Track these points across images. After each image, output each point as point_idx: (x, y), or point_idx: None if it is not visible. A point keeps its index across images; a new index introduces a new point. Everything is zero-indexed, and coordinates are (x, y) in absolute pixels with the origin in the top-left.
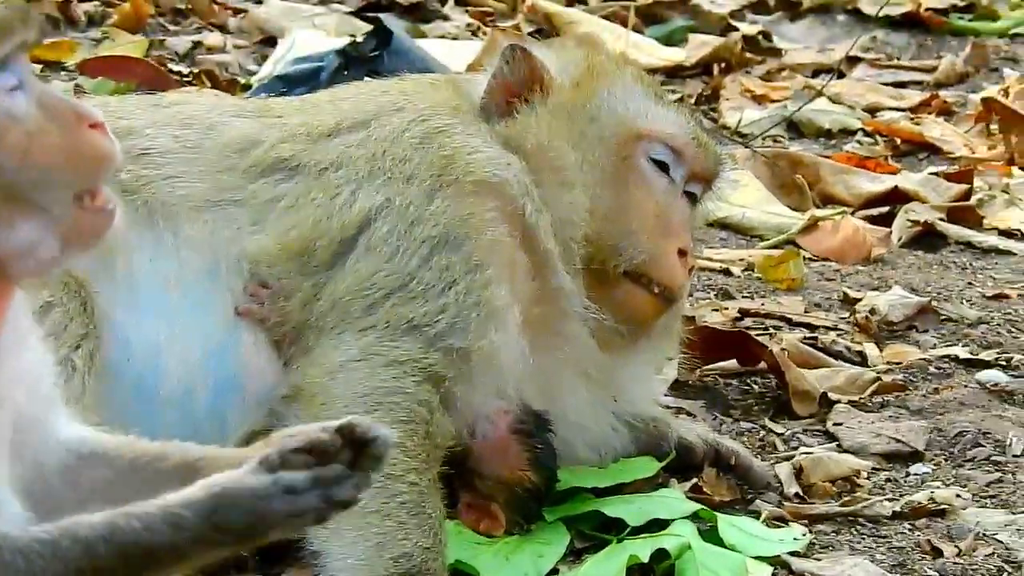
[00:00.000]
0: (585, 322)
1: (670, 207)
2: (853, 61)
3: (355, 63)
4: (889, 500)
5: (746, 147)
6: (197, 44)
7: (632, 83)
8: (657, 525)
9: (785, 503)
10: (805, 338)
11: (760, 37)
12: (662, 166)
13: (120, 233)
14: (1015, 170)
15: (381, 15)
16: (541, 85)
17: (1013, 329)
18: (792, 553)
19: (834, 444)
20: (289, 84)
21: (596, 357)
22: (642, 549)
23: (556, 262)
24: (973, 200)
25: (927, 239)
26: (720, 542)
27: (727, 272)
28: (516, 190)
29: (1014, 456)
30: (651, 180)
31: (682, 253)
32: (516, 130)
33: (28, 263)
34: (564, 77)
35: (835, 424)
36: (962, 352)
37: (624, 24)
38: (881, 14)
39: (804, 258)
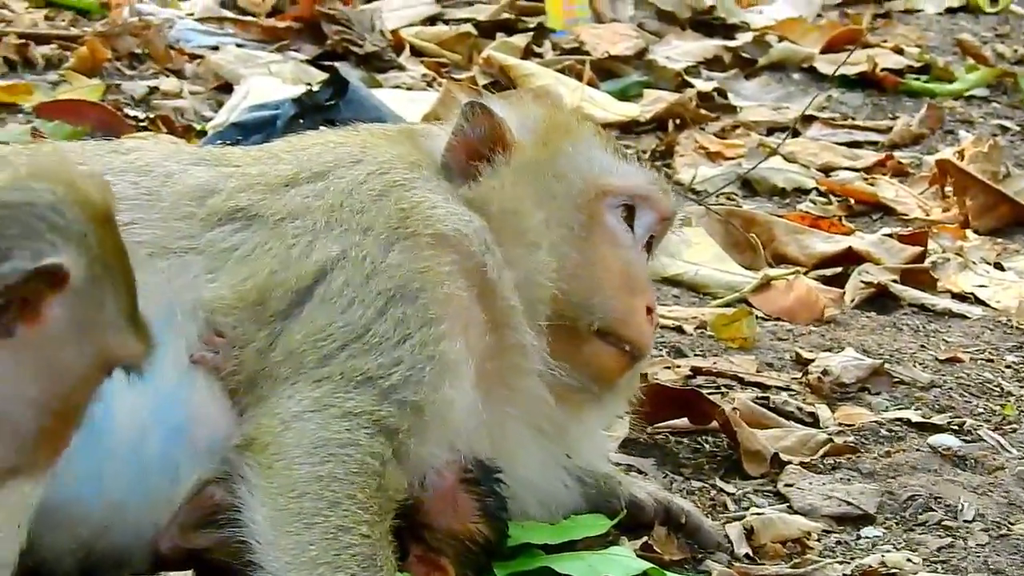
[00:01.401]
0: (542, 378)
1: (634, 262)
2: (808, 120)
3: (311, 112)
4: (840, 563)
5: (700, 204)
6: (153, 89)
7: (593, 139)
8: None
9: (735, 563)
10: (757, 398)
11: (715, 94)
12: (627, 220)
13: None
14: (969, 233)
15: (337, 64)
16: (502, 143)
17: (965, 393)
18: None
19: (785, 505)
20: (245, 131)
21: (550, 413)
22: None
23: (519, 319)
24: (927, 262)
25: (880, 300)
26: None
27: (680, 330)
28: (475, 245)
29: (965, 521)
30: (617, 235)
31: (649, 310)
32: (480, 193)
33: None
34: (525, 134)
35: (786, 485)
36: (914, 415)
37: (579, 78)
38: (837, 73)
39: (757, 317)
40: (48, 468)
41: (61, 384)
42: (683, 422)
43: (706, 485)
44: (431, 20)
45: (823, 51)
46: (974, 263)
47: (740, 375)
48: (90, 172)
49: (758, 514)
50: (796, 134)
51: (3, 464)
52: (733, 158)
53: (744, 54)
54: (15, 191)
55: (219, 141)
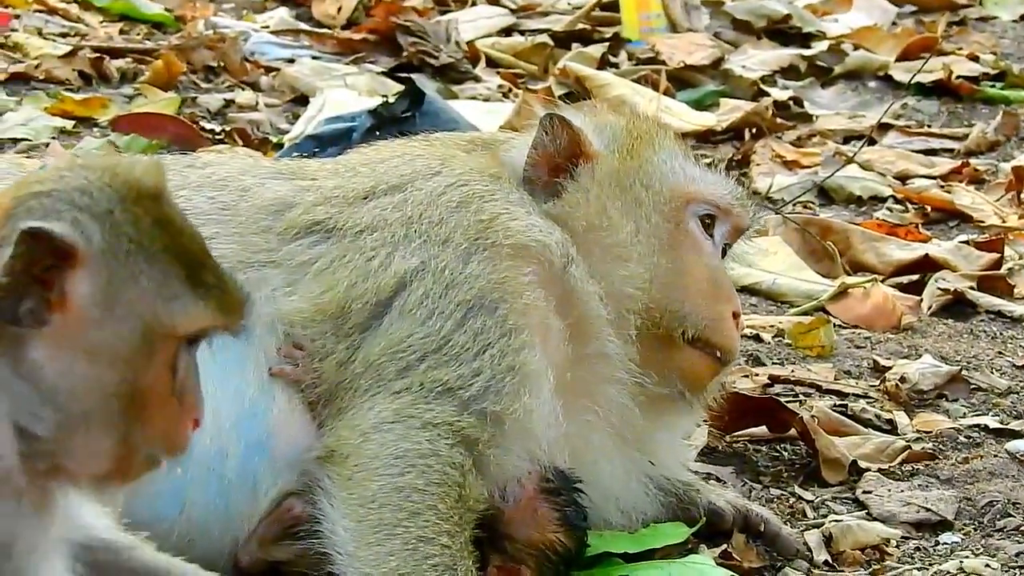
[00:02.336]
0: (625, 386)
1: (719, 269)
2: (884, 128)
3: (387, 124)
4: (918, 569)
5: (776, 213)
6: (229, 102)
7: (675, 147)
8: None
9: (814, 571)
10: (835, 405)
11: (791, 103)
12: (708, 228)
13: None
14: None
15: (413, 75)
16: (584, 154)
17: None
18: None
19: (864, 512)
20: (321, 144)
21: (633, 421)
22: None
23: (603, 328)
24: (1003, 269)
25: (957, 307)
26: None
27: (757, 338)
28: (556, 256)
29: None
30: (701, 244)
31: (735, 316)
32: (563, 208)
33: (88, 465)
34: (605, 145)
35: (865, 492)
36: (992, 422)
37: (655, 88)
38: (912, 81)
39: (834, 325)
40: (170, 453)
41: (119, 366)
42: (761, 430)
43: (785, 493)
44: (507, 31)
45: (898, 59)
46: None
47: (818, 383)
48: (140, 157)
49: (837, 521)
50: (872, 142)
51: (104, 464)
52: (809, 167)
53: (820, 63)
54: (52, 180)
55: (295, 154)
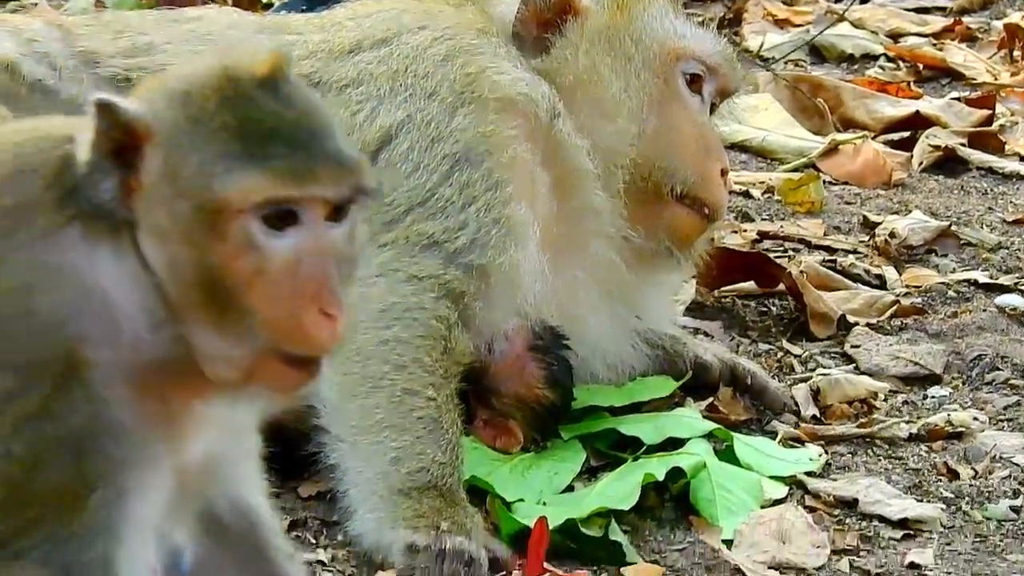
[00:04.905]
0: (612, 242)
1: (707, 127)
2: None
3: None
4: (906, 422)
5: (768, 71)
6: None
7: (665, 3)
8: (673, 444)
9: (801, 424)
10: (824, 261)
11: None
12: (696, 86)
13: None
14: None
15: None
16: (572, 9)
17: None
18: (808, 473)
19: (852, 366)
20: (310, 3)
21: (620, 276)
22: (657, 468)
23: (591, 183)
24: (995, 126)
25: (948, 164)
26: (736, 461)
27: (747, 194)
28: (543, 110)
29: None
30: (689, 100)
31: (723, 172)
32: (552, 64)
33: (216, 369)
34: (595, 0)
35: (853, 346)
36: (981, 276)
37: None
38: None
39: (824, 182)
40: (309, 351)
41: (192, 247)
42: (750, 285)
43: (773, 347)
44: None
45: None
46: None
47: (807, 239)
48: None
49: (825, 375)
50: (864, 0)
51: (229, 365)
52: (801, 25)
53: None
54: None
55: (284, 12)
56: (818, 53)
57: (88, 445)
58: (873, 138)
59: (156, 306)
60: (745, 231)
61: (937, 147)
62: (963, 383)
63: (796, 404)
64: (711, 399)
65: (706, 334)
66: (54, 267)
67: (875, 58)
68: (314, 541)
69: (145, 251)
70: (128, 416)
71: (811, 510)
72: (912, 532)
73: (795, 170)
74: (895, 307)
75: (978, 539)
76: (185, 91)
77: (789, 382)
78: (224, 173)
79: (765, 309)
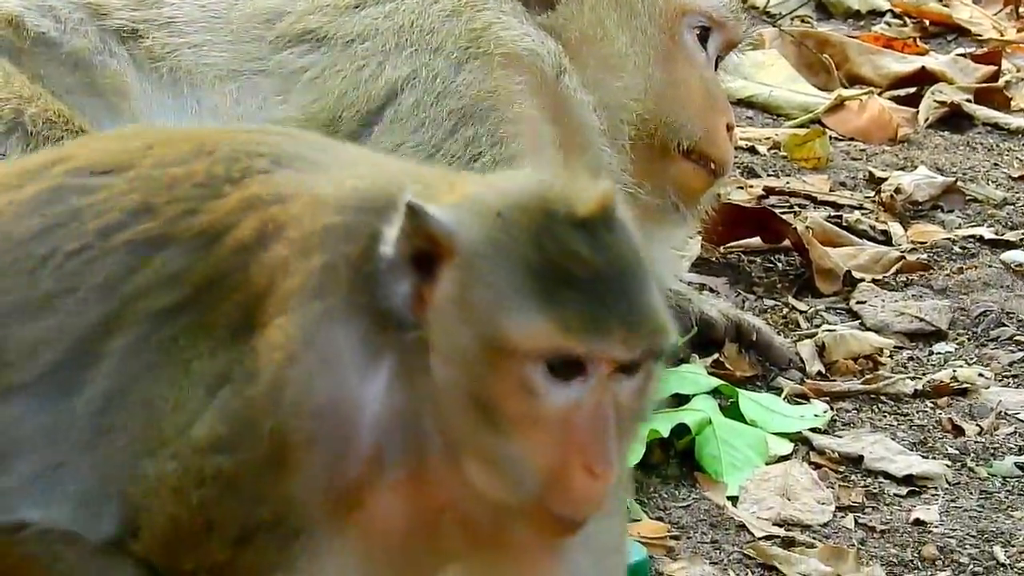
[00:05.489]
0: (618, 197)
1: (712, 81)
2: None
3: None
4: (911, 378)
5: (774, 26)
6: None
7: None
8: (678, 400)
9: (807, 380)
10: (830, 216)
11: None
12: (702, 40)
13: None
14: None
15: None
16: None
17: None
18: (813, 429)
19: (857, 322)
20: None
21: None
22: (662, 424)
23: (596, 138)
24: (1000, 82)
25: (954, 120)
26: (741, 418)
27: (753, 150)
28: (548, 65)
29: None
30: (695, 55)
31: (729, 128)
32: (558, 21)
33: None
34: None
35: (858, 302)
36: (987, 232)
37: None
38: None
39: (830, 137)
40: (568, 512)
41: (467, 377)
42: (755, 241)
43: (778, 303)
44: None
45: None
46: None
47: (813, 194)
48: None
49: (830, 331)
50: None
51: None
52: None
53: None
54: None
55: None
56: (824, 9)
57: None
58: (879, 94)
59: (413, 426)
60: (751, 187)
61: (943, 103)
62: (968, 339)
63: (801, 360)
64: (716, 355)
65: (711, 290)
66: (324, 353)
67: (881, 14)
68: None
69: (430, 365)
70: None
71: (816, 466)
72: (917, 489)
73: (801, 126)
74: (900, 263)
75: (983, 496)
76: (497, 212)
77: (794, 338)
78: (514, 313)
79: (771, 265)
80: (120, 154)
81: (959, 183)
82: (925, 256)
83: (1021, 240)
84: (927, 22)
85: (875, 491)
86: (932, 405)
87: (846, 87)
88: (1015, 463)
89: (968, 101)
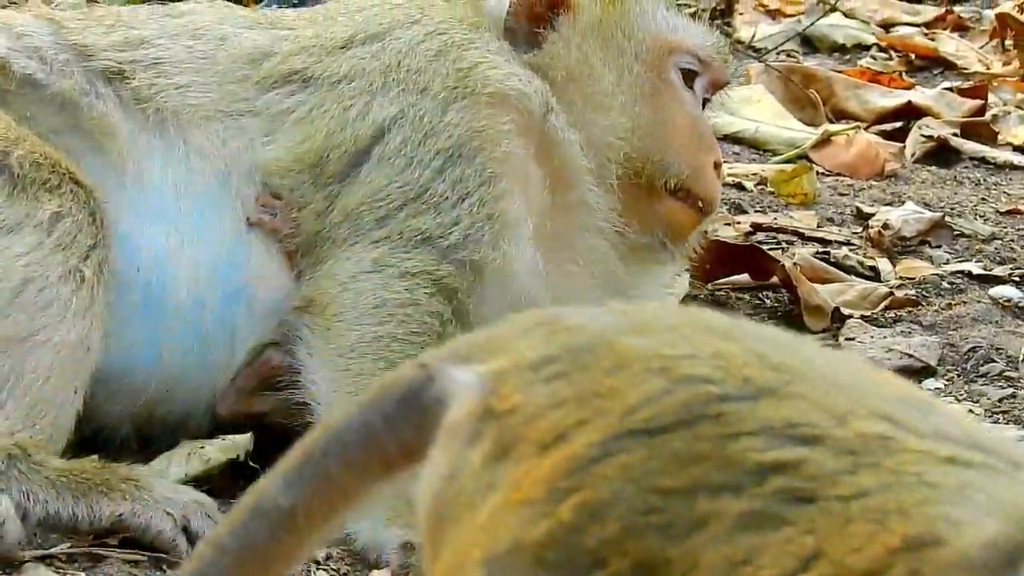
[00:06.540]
0: (606, 236)
1: (700, 120)
2: None
3: None
4: None
5: (760, 61)
6: None
7: None
8: None
9: None
10: (817, 253)
11: None
12: (689, 79)
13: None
14: None
15: None
16: (564, 3)
17: None
18: None
19: None
20: None
21: (614, 271)
22: None
23: (584, 178)
24: (987, 116)
25: (941, 154)
26: None
27: (740, 187)
28: (535, 104)
29: None
30: (681, 94)
31: (716, 165)
32: (544, 58)
33: None
34: None
35: (847, 339)
36: (975, 268)
37: None
38: None
39: (817, 173)
40: None
41: None
42: (744, 278)
43: None
44: None
45: None
46: None
47: (800, 230)
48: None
49: None
50: None
51: None
52: (793, 15)
53: None
54: None
55: (275, 6)
56: (810, 43)
57: None
58: (865, 129)
59: None
60: (738, 223)
61: (930, 137)
62: (958, 375)
63: None
64: None
65: None
66: None
67: (867, 48)
68: None
69: None
70: None
71: None
72: None
73: (788, 162)
74: (889, 299)
75: None
76: None
77: None
78: None
79: (759, 302)
80: None
81: (947, 218)
82: (913, 292)
83: (1009, 275)
84: (913, 56)
85: None
86: None
87: (832, 122)
88: None
89: (955, 135)
